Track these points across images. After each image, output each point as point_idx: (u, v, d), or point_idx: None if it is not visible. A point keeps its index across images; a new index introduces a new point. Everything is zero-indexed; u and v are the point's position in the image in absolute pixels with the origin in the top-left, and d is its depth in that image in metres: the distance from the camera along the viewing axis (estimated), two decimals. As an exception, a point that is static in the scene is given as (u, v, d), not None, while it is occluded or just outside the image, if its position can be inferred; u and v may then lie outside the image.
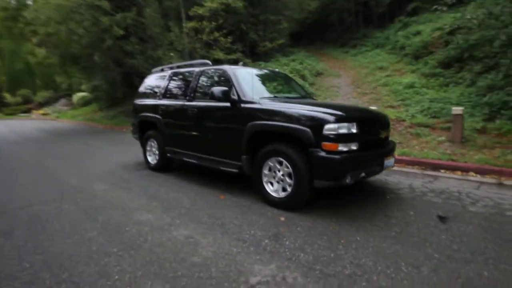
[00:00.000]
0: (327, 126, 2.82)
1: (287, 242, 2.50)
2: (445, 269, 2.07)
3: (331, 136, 2.82)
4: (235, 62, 12.79)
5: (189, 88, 4.36)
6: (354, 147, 2.91)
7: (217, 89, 3.56)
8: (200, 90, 4.24)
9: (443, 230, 2.65)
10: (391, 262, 2.16)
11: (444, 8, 6.25)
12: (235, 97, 3.60)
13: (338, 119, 2.86)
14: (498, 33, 7.87)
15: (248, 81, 3.82)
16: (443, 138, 5.73)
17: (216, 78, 4.12)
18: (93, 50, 11.61)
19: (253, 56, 15.57)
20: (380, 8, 17.67)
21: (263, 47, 16.07)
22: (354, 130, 2.90)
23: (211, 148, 3.95)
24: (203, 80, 4.25)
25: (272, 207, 3.27)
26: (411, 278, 1.98)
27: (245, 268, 2.13)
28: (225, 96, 3.56)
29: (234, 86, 3.69)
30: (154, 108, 4.89)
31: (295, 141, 3.08)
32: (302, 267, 2.13)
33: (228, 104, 3.65)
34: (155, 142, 5.01)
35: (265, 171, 3.36)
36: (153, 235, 2.69)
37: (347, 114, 2.97)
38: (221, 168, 3.81)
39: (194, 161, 4.20)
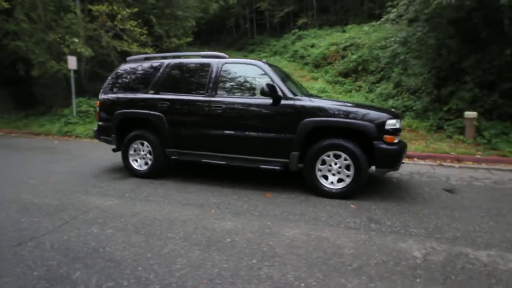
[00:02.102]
0: (388, 122, 3.32)
1: (388, 223, 2.85)
2: (498, 220, 2.92)
3: (391, 130, 3.33)
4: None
5: (206, 82, 3.97)
6: (399, 139, 3.53)
7: (266, 85, 3.49)
8: (225, 85, 3.95)
9: (462, 199, 3.59)
10: (468, 223, 2.85)
11: (386, 24, 7.79)
12: (280, 93, 3.61)
13: (394, 116, 3.41)
14: (384, 51, 10.37)
15: (282, 78, 3.88)
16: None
17: (246, 74, 3.95)
18: None
19: (160, 52, 14.52)
20: (275, 19, 19.60)
21: (170, 43, 15.23)
22: (399, 125, 3.51)
23: (248, 147, 3.77)
24: (225, 74, 3.97)
25: (329, 198, 3.49)
26: (490, 229, 2.71)
27: (396, 248, 2.37)
28: (273, 93, 3.54)
29: (275, 82, 3.68)
30: (149, 103, 4.16)
31: (355, 135, 3.43)
32: (429, 237, 2.55)
33: (269, 100, 3.63)
34: (146, 143, 4.26)
35: (319, 166, 3.55)
36: (270, 240, 2.50)
37: (395, 112, 3.55)
38: (261, 166, 3.72)
39: (221, 162, 3.88)
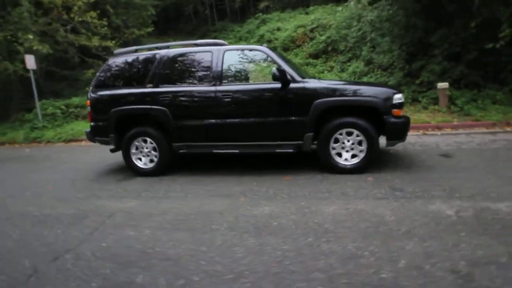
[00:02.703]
0: (395, 96, 3.52)
1: (410, 190, 3.07)
2: (499, 176, 3.28)
3: (397, 104, 3.55)
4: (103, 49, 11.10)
5: (209, 71, 3.87)
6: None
7: (276, 70, 3.50)
8: (229, 73, 3.89)
9: (459, 162, 3.95)
10: (476, 181, 3.17)
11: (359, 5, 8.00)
12: (289, 77, 3.65)
13: (399, 91, 3.63)
14: (351, 31, 10.75)
15: (286, 61, 3.92)
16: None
17: (250, 59, 3.91)
18: None
19: (122, 46, 13.65)
20: (236, 3, 19.21)
21: (131, 34, 14.37)
22: (403, 99, 3.74)
23: (261, 133, 3.79)
24: (228, 61, 3.89)
25: (345, 174, 3.65)
26: (495, 185, 3.04)
27: (429, 210, 2.59)
28: (284, 76, 3.56)
29: (281, 66, 3.70)
30: (150, 97, 3.96)
31: (364, 112, 3.59)
32: (451, 197, 2.81)
33: (278, 84, 3.65)
34: (149, 140, 4.08)
35: (332, 144, 3.69)
36: (314, 218, 2.60)
37: (395, 87, 3.77)
38: (276, 150, 3.78)
39: (234, 151, 3.86)
